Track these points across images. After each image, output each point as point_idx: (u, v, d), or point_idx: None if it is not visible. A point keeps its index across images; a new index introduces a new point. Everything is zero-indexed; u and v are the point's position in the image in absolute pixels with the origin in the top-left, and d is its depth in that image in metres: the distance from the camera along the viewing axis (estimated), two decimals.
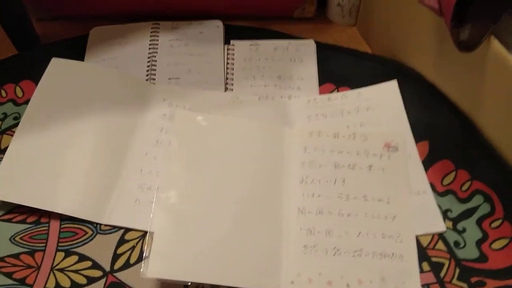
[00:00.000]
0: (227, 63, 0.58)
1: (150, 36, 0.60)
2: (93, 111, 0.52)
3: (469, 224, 0.46)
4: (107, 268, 0.44)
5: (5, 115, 0.54)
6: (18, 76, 0.57)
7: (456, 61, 0.47)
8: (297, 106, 0.54)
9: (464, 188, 0.48)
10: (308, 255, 0.44)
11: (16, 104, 0.55)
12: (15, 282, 0.43)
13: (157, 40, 0.60)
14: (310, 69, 0.58)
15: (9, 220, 0.47)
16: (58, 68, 0.54)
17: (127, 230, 0.46)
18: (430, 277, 0.44)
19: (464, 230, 0.46)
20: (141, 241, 0.46)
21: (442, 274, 0.44)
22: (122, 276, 0.44)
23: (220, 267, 0.42)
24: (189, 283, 0.42)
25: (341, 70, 0.58)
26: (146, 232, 0.46)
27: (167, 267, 0.42)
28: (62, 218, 0.47)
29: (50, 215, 0.47)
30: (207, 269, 0.42)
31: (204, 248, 0.43)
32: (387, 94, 0.54)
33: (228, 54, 0.59)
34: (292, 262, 0.44)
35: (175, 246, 0.43)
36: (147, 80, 0.56)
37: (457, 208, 0.47)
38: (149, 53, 0.59)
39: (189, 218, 0.44)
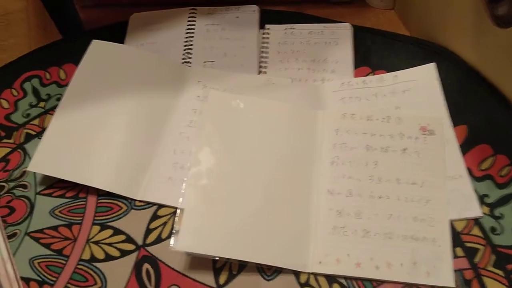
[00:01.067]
0: (262, 47, 0.59)
1: (188, 21, 0.61)
2: (130, 92, 0.53)
3: (507, 211, 0.44)
4: (140, 242, 0.46)
5: (49, 96, 0.57)
6: (62, 60, 0.60)
7: (496, 42, 0.45)
8: (331, 89, 0.54)
9: (502, 173, 0.46)
10: (337, 236, 0.44)
11: (59, 85, 0.58)
12: (53, 253, 0.45)
13: (194, 25, 0.61)
14: (345, 52, 0.57)
15: (49, 195, 0.49)
16: (98, 50, 0.56)
17: (160, 206, 0.48)
18: (464, 263, 0.42)
19: (501, 216, 0.44)
20: (173, 217, 0.47)
21: (476, 260, 0.42)
22: (154, 250, 0.45)
23: (248, 244, 0.43)
24: (217, 258, 0.43)
25: (378, 53, 0.57)
26: (177, 209, 0.47)
27: (196, 242, 0.43)
28: (99, 193, 0.49)
29: (88, 190, 0.49)
30: (235, 246, 0.43)
31: (233, 225, 0.44)
32: (425, 77, 0.52)
33: (263, 38, 0.59)
34: (321, 243, 0.43)
35: (204, 222, 0.44)
36: (183, 63, 0.57)
37: (495, 194, 0.45)
38: (185, 38, 0.60)
39: (219, 196, 0.45)
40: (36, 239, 0.46)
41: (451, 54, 0.53)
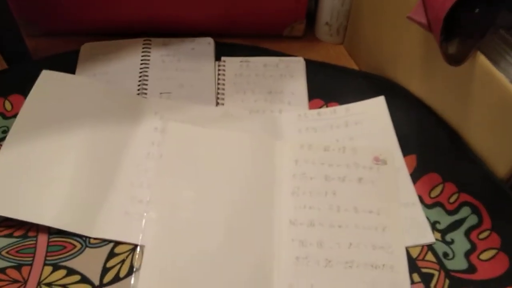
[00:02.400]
0: (218, 79, 0.59)
1: (142, 52, 0.61)
2: (83, 124, 0.51)
3: (457, 236, 0.47)
4: (96, 282, 0.43)
5: None
6: (8, 90, 0.57)
7: (443, 75, 0.48)
8: (288, 120, 0.55)
9: (451, 200, 0.49)
10: (300, 266, 0.44)
11: (4, 117, 0.55)
12: None
13: (149, 55, 0.61)
14: (299, 84, 0.59)
15: None
16: (48, 81, 0.54)
17: (117, 243, 0.46)
18: None
19: (452, 241, 0.47)
20: (131, 254, 0.45)
21: (432, 285, 0.44)
22: None
23: (212, 280, 0.42)
24: None
25: (329, 86, 0.59)
26: (136, 246, 0.45)
27: (158, 280, 0.41)
28: (50, 231, 0.46)
29: (38, 228, 0.46)
30: (199, 282, 0.42)
31: (196, 261, 0.43)
32: (375, 109, 0.55)
33: (219, 70, 0.60)
34: (284, 274, 0.44)
35: (166, 259, 0.42)
36: (138, 94, 0.57)
37: (445, 220, 0.48)
38: (140, 68, 0.59)
39: (180, 231, 0.44)
40: None
41: (399, 87, 0.56)
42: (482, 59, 0.41)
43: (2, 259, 0.44)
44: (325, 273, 0.44)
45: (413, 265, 0.45)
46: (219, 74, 0.60)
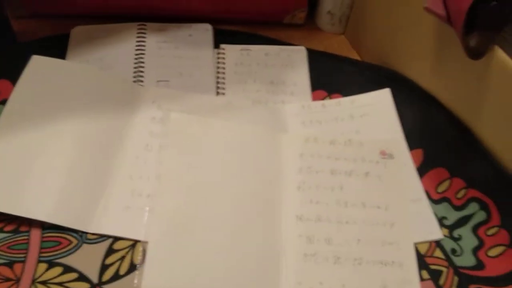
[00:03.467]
0: (218, 67, 0.57)
1: (137, 37, 0.58)
2: (77, 112, 0.49)
3: (465, 232, 0.46)
4: (95, 280, 0.41)
5: None
6: None
7: (455, 68, 0.47)
8: (291, 112, 0.53)
9: (459, 195, 0.48)
10: (308, 263, 0.43)
11: None
12: None
13: (144, 41, 0.58)
14: (302, 75, 0.57)
15: None
16: (38, 66, 0.50)
17: (116, 239, 0.44)
18: (430, 285, 0.43)
19: (460, 237, 0.46)
20: (131, 251, 0.43)
21: (441, 282, 0.43)
22: None
23: (219, 276, 0.41)
24: None
25: (332, 77, 0.57)
26: (136, 241, 0.43)
27: (162, 277, 0.39)
28: (44, 226, 0.43)
29: (31, 223, 0.43)
30: (205, 279, 0.40)
31: (201, 256, 0.41)
32: (380, 102, 0.54)
33: (218, 58, 0.58)
34: (292, 271, 0.42)
35: (170, 255, 0.41)
36: (134, 82, 0.54)
37: (453, 216, 0.47)
38: (136, 55, 0.56)
39: (184, 226, 0.42)
40: None
41: (405, 79, 0.55)
42: (499, 53, 0.40)
43: None
44: (334, 270, 0.43)
45: (421, 261, 0.44)
46: (218, 63, 0.57)
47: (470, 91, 0.46)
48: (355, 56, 0.63)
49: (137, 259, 0.42)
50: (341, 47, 0.64)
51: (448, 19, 0.39)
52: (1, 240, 0.42)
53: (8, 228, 0.43)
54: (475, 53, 0.39)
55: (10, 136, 0.46)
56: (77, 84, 0.51)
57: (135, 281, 0.39)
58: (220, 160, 0.46)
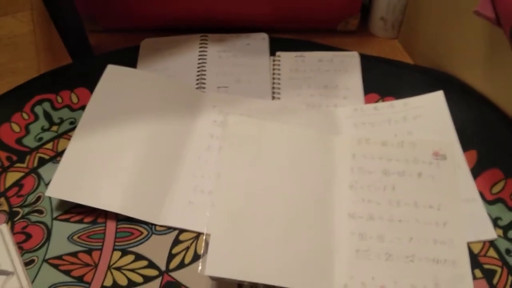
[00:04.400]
0: (274, 73, 0.60)
1: (199, 48, 0.63)
2: (147, 116, 0.53)
3: None
4: (163, 268, 0.45)
5: (62, 120, 0.56)
6: (73, 84, 0.60)
7: (506, 70, 0.47)
8: (344, 115, 0.55)
9: None
10: (360, 259, 0.44)
11: (71, 109, 0.57)
12: (73, 280, 0.44)
13: (206, 51, 0.62)
14: (355, 79, 0.59)
15: (67, 220, 0.48)
16: (113, 75, 0.56)
17: (181, 231, 0.48)
18: (483, 284, 0.44)
19: None
20: (195, 242, 0.47)
21: (495, 281, 0.44)
22: (177, 275, 0.45)
23: (275, 268, 0.43)
24: (245, 283, 0.43)
25: (385, 81, 0.59)
26: (199, 234, 0.47)
27: (224, 266, 0.43)
28: (118, 218, 0.48)
29: (107, 215, 0.48)
30: (262, 270, 0.43)
31: (259, 249, 0.44)
32: (434, 104, 0.55)
33: (274, 65, 0.61)
34: (345, 266, 0.44)
35: (231, 247, 0.44)
36: (197, 88, 0.58)
37: (507, 217, 0.47)
38: (198, 63, 0.61)
39: (244, 220, 0.45)
40: (55, 266, 0.45)
41: (458, 81, 0.56)
42: None
43: (74, 243, 0.47)
44: (386, 266, 0.44)
45: (475, 261, 0.45)
46: (274, 69, 0.61)
47: None
48: (408, 60, 0.64)
49: (201, 249, 0.45)
50: (394, 51, 0.65)
51: (498, 22, 0.40)
52: (81, 230, 0.48)
53: (88, 219, 0.48)
54: None
55: (89, 137, 0.52)
56: (147, 90, 0.56)
57: (199, 268, 0.42)
58: (276, 160, 0.49)
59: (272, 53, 0.63)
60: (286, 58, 0.62)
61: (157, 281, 0.44)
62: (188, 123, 0.54)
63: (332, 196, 0.48)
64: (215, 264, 0.42)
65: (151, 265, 0.45)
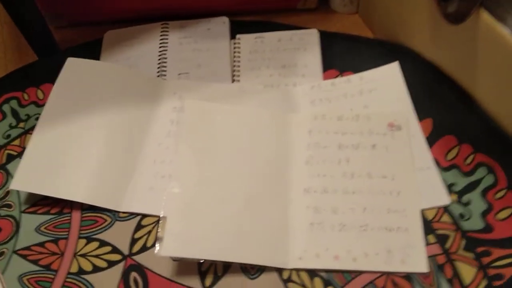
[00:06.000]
0: (234, 57, 0.61)
1: (160, 36, 0.63)
2: (108, 106, 0.55)
3: (474, 196, 0.47)
4: (126, 252, 0.47)
5: (28, 116, 0.58)
6: (39, 80, 0.61)
7: (450, 36, 0.48)
8: (301, 93, 0.56)
9: (467, 161, 0.48)
10: (315, 232, 0.46)
11: (37, 105, 0.59)
12: (41, 268, 0.46)
13: (167, 39, 0.63)
14: (313, 56, 0.59)
15: (34, 212, 0.50)
16: (73, 68, 0.57)
17: (143, 216, 0.49)
18: (436, 249, 0.45)
19: (469, 202, 0.47)
20: (157, 226, 0.48)
21: (447, 246, 0.45)
22: (140, 258, 0.46)
23: (231, 246, 0.45)
24: (202, 261, 0.45)
25: (344, 56, 0.59)
26: (160, 217, 0.48)
27: (180, 246, 0.44)
28: (83, 208, 0.50)
29: (72, 206, 0.50)
30: (219, 248, 0.44)
31: (215, 228, 0.45)
32: (389, 75, 0.55)
33: (234, 48, 0.62)
34: (300, 239, 0.45)
35: (187, 227, 0.45)
36: (158, 76, 0.59)
37: (462, 182, 0.48)
38: (159, 52, 0.62)
39: (199, 200, 0.47)
40: (24, 256, 0.47)
41: (411, 52, 0.56)
42: (485, 16, 0.40)
43: (41, 234, 0.48)
44: (340, 237, 0.45)
45: (428, 227, 0.46)
46: (234, 52, 0.61)
47: (465, 57, 0.47)
48: (369, 34, 0.64)
49: (160, 232, 0.47)
50: (355, 27, 0.65)
51: None
52: (48, 221, 0.49)
53: (54, 210, 0.50)
54: (454, 19, 0.40)
55: (50, 130, 0.53)
56: (107, 81, 0.57)
57: (156, 249, 0.44)
58: (232, 141, 0.50)
59: (233, 36, 0.63)
60: (246, 40, 0.62)
61: (121, 265, 0.46)
62: (149, 111, 0.55)
63: (289, 173, 0.49)
64: (171, 244, 0.44)
65: (115, 250, 0.47)
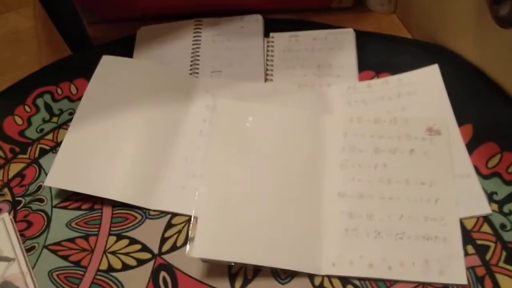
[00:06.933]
0: (267, 55, 0.60)
1: (194, 33, 0.63)
2: (141, 104, 0.54)
3: None
4: (156, 251, 0.46)
5: (61, 111, 0.58)
6: (73, 75, 0.61)
7: (498, 41, 0.46)
8: (337, 93, 0.55)
9: (510, 170, 0.46)
10: (349, 238, 0.44)
11: (71, 100, 0.59)
12: (71, 264, 0.46)
13: (200, 36, 0.62)
14: (349, 57, 0.58)
15: (65, 207, 0.50)
16: (108, 65, 0.57)
17: (174, 215, 0.49)
18: (475, 260, 0.43)
19: (510, 212, 0.45)
20: (187, 225, 0.48)
21: (487, 257, 0.43)
22: (170, 258, 0.46)
23: (262, 249, 0.44)
24: (232, 264, 0.44)
25: (380, 56, 0.58)
26: (191, 217, 0.48)
27: (211, 248, 0.43)
28: (114, 204, 0.50)
29: (103, 202, 0.50)
30: (250, 251, 0.44)
31: (247, 230, 0.45)
32: (429, 78, 0.53)
33: (268, 46, 0.61)
34: (333, 245, 0.44)
35: (219, 229, 0.44)
36: (190, 74, 0.59)
37: (503, 191, 0.46)
38: (192, 49, 0.61)
39: (232, 202, 0.46)
40: (54, 252, 0.47)
41: (453, 54, 0.54)
42: None
43: (72, 229, 0.49)
44: (375, 244, 0.44)
45: (467, 237, 0.44)
46: (268, 51, 0.60)
47: (511, 61, 0.44)
48: (407, 35, 0.62)
49: (191, 232, 0.46)
50: (391, 26, 0.63)
51: None
52: (79, 217, 0.49)
53: (85, 206, 0.50)
54: (506, 22, 0.38)
55: (85, 127, 0.53)
56: (140, 78, 0.57)
57: (187, 250, 0.43)
58: (265, 142, 0.49)
59: (267, 34, 0.62)
60: (280, 38, 0.61)
61: (150, 264, 0.46)
62: (181, 109, 0.55)
63: (323, 176, 0.48)
64: (202, 246, 0.43)
65: (144, 248, 0.47)
